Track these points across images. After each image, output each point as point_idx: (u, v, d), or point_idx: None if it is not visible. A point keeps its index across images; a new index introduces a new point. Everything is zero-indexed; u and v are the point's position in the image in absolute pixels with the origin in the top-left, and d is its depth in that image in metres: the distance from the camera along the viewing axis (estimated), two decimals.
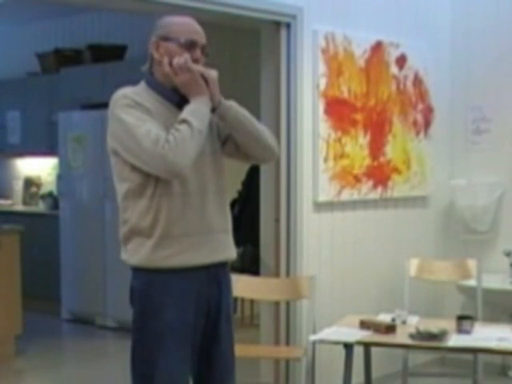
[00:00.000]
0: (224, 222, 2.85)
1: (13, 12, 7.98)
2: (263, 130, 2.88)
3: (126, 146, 2.67)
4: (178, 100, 2.77)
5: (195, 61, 2.75)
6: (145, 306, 2.74)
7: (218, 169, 2.86)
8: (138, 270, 2.75)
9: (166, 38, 2.77)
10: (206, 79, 2.74)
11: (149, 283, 2.74)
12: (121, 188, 2.77)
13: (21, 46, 8.94)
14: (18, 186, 9.12)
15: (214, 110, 2.78)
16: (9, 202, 8.98)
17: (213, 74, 2.78)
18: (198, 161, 2.72)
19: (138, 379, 2.77)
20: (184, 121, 2.65)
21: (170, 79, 2.74)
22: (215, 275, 2.82)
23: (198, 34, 2.80)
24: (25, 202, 9.00)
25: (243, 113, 2.84)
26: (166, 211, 2.69)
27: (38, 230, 7.85)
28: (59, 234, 7.50)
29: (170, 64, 2.73)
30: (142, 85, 2.82)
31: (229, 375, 2.90)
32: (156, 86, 2.79)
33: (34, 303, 7.22)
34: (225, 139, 2.91)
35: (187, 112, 2.68)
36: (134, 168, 2.69)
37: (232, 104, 2.83)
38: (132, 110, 2.67)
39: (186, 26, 2.80)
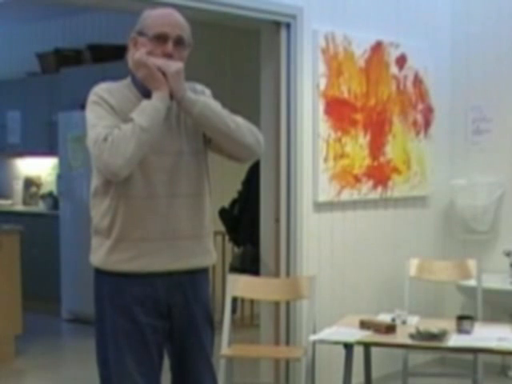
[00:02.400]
0: (196, 227, 2.74)
1: (13, 12, 7.98)
2: (238, 128, 2.70)
3: (88, 144, 2.64)
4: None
5: (167, 55, 2.65)
6: (99, 308, 2.73)
7: (197, 170, 2.75)
8: (96, 271, 2.73)
9: (140, 33, 2.71)
10: (164, 73, 2.63)
11: (103, 285, 2.71)
12: (92, 183, 2.73)
13: (21, 46, 8.94)
14: (18, 185, 9.11)
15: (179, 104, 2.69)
16: (9, 201, 8.98)
17: (172, 67, 2.64)
18: (171, 162, 2.66)
19: (102, 382, 2.76)
20: (130, 119, 2.58)
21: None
22: (179, 283, 2.73)
23: (170, 25, 2.68)
24: (25, 202, 9.00)
25: (212, 109, 2.69)
26: (123, 213, 2.63)
27: (38, 230, 7.85)
28: (59, 234, 7.50)
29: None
30: (128, 79, 2.77)
31: (204, 380, 2.84)
32: (137, 82, 2.71)
33: (34, 303, 7.22)
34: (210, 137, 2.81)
35: (136, 109, 2.61)
36: None
37: (199, 100, 2.68)
38: (95, 107, 2.64)
39: (159, 18, 2.70)
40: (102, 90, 2.68)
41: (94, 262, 2.73)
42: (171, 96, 2.65)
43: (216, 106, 2.72)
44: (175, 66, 2.65)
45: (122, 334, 2.67)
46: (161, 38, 2.66)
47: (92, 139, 2.57)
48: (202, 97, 2.72)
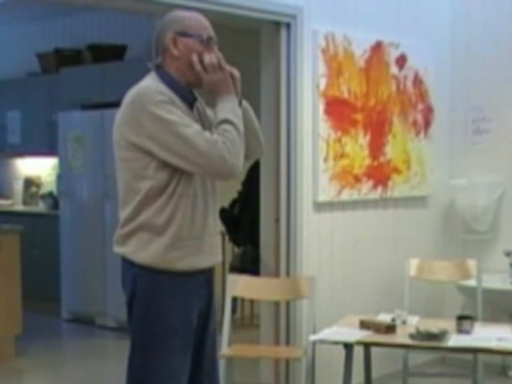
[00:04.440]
0: (217, 223, 2.85)
1: (13, 12, 7.99)
2: (260, 129, 2.93)
3: (169, 145, 2.58)
4: (193, 99, 2.76)
5: None
6: (148, 308, 2.68)
7: None
8: (142, 269, 2.67)
9: (184, 34, 2.72)
10: (233, 78, 2.75)
11: (154, 284, 2.68)
12: (139, 186, 2.65)
13: (21, 45, 8.95)
14: (18, 185, 9.12)
15: None
16: (9, 201, 8.99)
17: (237, 73, 2.78)
18: None
19: (134, 382, 2.72)
20: (228, 121, 2.64)
21: (189, 77, 2.72)
22: (208, 278, 2.83)
23: (211, 29, 2.80)
24: (25, 202, 9.01)
25: (252, 112, 2.88)
26: (181, 212, 2.66)
27: (38, 230, 7.86)
28: (59, 233, 7.50)
29: (201, 62, 2.70)
30: (154, 80, 2.72)
31: (214, 369, 2.91)
32: (171, 83, 2.71)
33: (34, 303, 7.22)
34: None
35: (228, 112, 2.67)
36: (160, 166, 2.62)
37: (246, 103, 2.86)
38: (172, 108, 2.61)
39: (200, 21, 2.78)
40: (164, 89, 2.66)
41: (142, 260, 2.67)
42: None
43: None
44: (238, 72, 2.79)
45: (173, 333, 2.68)
46: (210, 41, 2.75)
47: (205, 140, 2.57)
48: (244, 101, 2.85)
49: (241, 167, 2.65)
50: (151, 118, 2.59)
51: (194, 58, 2.70)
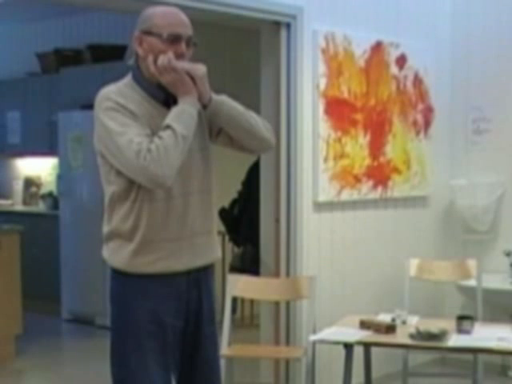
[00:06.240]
0: (207, 222, 2.77)
1: (13, 12, 7.98)
2: (257, 123, 2.77)
3: (111, 152, 2.58)
4: (164, 97, 2.67)
5: (180, 55, 2.63)
6: (121, 309, 2.71)
7: (205, 167, 2.76)
8: (116, 272, 2.71)
9: (148, 33, 2.65)
10: (192, 77, 2.63)
11: (126, 286, 2.70)
12: (107, 190, 2.70)
13: (21, 45, 8.94)
14: (18, 185, 9.11)
15: (205, 107, 2.68)
16: (9, 201, 8.98)
17: (200, 70, 2.64)
18: (184, 161, 2.63)
19: (115, 382, 2.76)
20: (168, 127, 2.55)
21: (156, 77, 2.65)
22: (196, 279, 2.76)
23: (182, 25, 2.66)
24: (25, 202, 9.00)
25: (235, 107, 2.73)
26: (146, 216, 2.63)
27: (38, 230, 7.85)
28: (59, 234, 7.50)
29: (156, 63, 2.61)
30: (129, 79, 2.71)
31: (214, 377, 2.87)
32: (142, 82, 2.68)
33: (34, 303, 7.21)
34: (218, 131, 2.81)
35: (172, 116, 2.58)
36: (119, 172, 2.61)
37: (224, 99, 2.72)
38: (115, 114, 2.57)
39: (168, 18, 2.65)
40: (115, 95, 2.62)
41: (114, 264, 2.71)
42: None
43: (236, 103, 2.76)
44: (202, 69, 2.66)
45: (146, 334, 2.67)
46: (174, 39, 2.64)
47: (132, 150, 2.50)
48: (223, 96, 2.74)
49: (170, 175, 2.52)
50: (100, 124, 2.61)
51: (149, 59, 2.64)
